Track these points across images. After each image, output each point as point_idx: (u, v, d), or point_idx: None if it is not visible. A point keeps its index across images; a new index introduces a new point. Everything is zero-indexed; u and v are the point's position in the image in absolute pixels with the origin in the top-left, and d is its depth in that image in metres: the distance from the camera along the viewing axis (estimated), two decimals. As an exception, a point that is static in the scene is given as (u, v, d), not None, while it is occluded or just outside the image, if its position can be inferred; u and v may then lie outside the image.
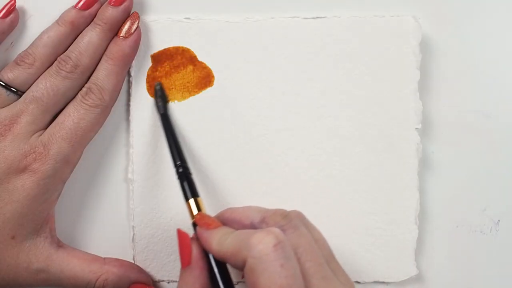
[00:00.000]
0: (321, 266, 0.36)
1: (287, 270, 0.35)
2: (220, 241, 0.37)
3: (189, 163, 0.43)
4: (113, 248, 0.47)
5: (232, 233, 0.37)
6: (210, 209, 0.44)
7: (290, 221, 0.38)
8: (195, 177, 0.43)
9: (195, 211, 0.40)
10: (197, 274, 0.38)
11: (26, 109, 0.43)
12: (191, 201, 0.41)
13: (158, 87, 0.45)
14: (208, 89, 0.46)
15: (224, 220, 0.40)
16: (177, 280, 0.46)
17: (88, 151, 0.45)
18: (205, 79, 0.46)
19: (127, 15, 0.45)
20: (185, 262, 0.38)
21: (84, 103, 0.43)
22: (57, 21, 0.44)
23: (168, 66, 0.46)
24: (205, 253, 0.39)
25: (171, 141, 0.43)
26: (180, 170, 0.42)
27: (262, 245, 0.35)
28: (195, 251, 0.39)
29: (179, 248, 0.39)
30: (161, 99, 0.45)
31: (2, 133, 0.42)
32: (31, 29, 0.45)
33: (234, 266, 0.37)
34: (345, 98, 0.46)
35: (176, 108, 0.46)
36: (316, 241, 0.38)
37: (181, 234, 0.39)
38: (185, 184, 0.41)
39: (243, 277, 0.36)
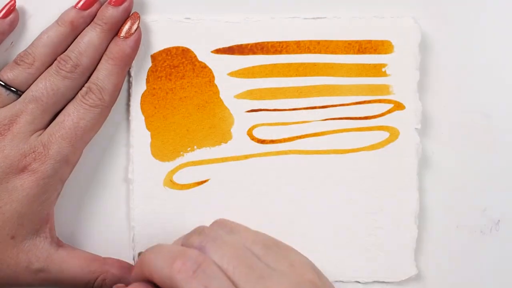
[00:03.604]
0: (251, 268, 0.35)
1: None
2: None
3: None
4: (113, 248, 0.46)
5: (156, 257, 0.36)
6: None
7: (206, 236, 0.37)
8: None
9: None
10: None
11: (26, 109, 0.43)
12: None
13: None
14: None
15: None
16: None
17: (88, 151, 0.45)
18: (205, 83, 0.46)
19: (127, 15, 0.45)
20: None
21: (84, 103, 0.43)
22: (57, 21, 0.44)
23: (168, 66, 0.46)
24: None
25: None
26: None
27: (181, 275, 0.34)
28: None
29: None
30: None
31: (1, 132, 0.42)
32: (31, 29, 0.45)
33: None
34: (345, 98, 0.46)
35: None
36: (243, 242, 0.37)
37: None
38: None
39: None
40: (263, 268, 0.35)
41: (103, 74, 0.44)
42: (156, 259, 0.36)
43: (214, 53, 0.46)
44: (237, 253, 0.36)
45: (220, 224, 0.38)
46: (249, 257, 0.36)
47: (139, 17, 0.45)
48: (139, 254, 0.43)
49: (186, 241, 0.37)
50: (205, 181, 0.46)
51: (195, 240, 0.37)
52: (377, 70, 0.46)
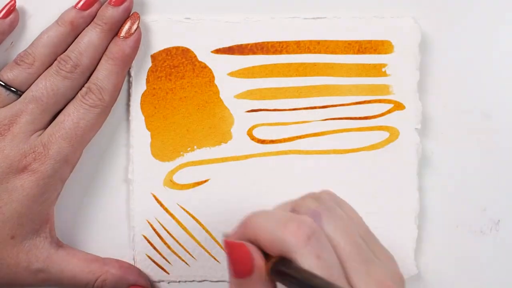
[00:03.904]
0: (360, 249, 0.35)
1: (324, 261, 0.33)
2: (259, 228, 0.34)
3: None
4: (113, 248, 0.46)
5: (267, 219, 0.34)
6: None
7: (323, 203, 0.36)
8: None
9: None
10: (263, 280, 0.34)
11: (26, 109, 0.43)
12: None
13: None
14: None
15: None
16: (177, 280, 0.46)
17: (88, 151, 0.45)
18: (205, 83, 0.46)
19: (127, 15, 0.45)
20: (247, 271, 0.34)
21: (84, 103, 0.43)
22: (57, 21, 0.44)
23: (168, 66, 0.46)
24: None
25: None
26: None
27: (295, 238, 0.33)
28: (255, 256, 0.34)
29: (235, 258, 0.34)
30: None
31: (1, 132, 0.42)
32: (31, 29, 0.45)
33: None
34: (345, 98, 0.46)
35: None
36: (351, 219, 0.36)
37: (234, 244, 0.34)
38: None
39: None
40: (367, 252, 0.35)
41: (103, 74, 0.44)
42: (266, 221, 0.34)
43: (214, 53, 0.46)
44: (349, 229, 0.35)
45: (331, 195, 0.37)
46: (357, 236, 0.35)
47: (139, 17, 0.45)
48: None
49: (300, 203, 0.36)
50: (205, 181, 0.46)
51: (311, 204, 0.36)
52: (377, 70, 0.46)
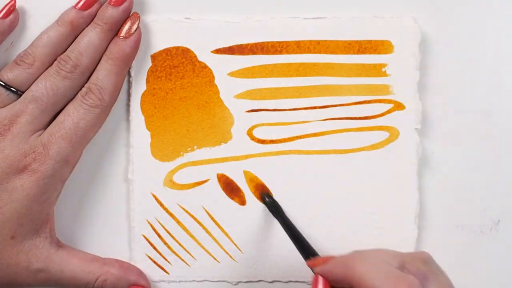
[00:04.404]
0: None
1: None
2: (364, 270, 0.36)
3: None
4: (112, 248, 0.46)
5: (377, 271, 0.36)
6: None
7: (430, 267, 0.37)
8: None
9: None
10: None
11: (26, 109, 0.43)
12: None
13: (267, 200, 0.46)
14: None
15: None
16: (177, 280, 0.46)
17: (88, 151, 0.45)
18: (205, 83, 0.46)
19: (127, 15, 0.45)
20: None
21: (84, 103, 0.43)
22: (56, 21, 0.44)
23: (168, 66, 0.46)
24: None
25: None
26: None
27: None
28: None
29: None
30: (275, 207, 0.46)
31: (1, 132, 0.42)
32: (31, 29, 0.45)
33: None
34: (345, 98, 0.46)
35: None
36: (451, 286, 0.38)
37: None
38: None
39: None
40: None
41: (103, 74, 0.44)
42: (374, 275, 0.36)
43: (214, 53, 0.46)
44: None
45: (433, 260, 0.39)
46: None
47: (139, 17, 0.45)
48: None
49: (409, 262, 0.38)
50: (205, 181, 0.46)
51: (421, 267, 0.37)
52: (377, 70, 0.46)
